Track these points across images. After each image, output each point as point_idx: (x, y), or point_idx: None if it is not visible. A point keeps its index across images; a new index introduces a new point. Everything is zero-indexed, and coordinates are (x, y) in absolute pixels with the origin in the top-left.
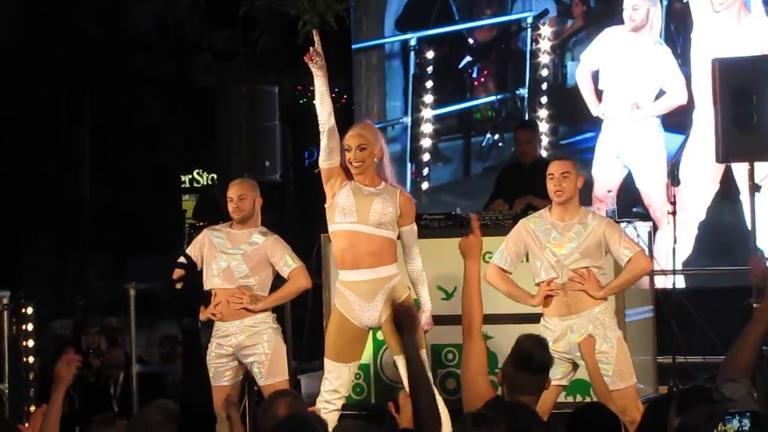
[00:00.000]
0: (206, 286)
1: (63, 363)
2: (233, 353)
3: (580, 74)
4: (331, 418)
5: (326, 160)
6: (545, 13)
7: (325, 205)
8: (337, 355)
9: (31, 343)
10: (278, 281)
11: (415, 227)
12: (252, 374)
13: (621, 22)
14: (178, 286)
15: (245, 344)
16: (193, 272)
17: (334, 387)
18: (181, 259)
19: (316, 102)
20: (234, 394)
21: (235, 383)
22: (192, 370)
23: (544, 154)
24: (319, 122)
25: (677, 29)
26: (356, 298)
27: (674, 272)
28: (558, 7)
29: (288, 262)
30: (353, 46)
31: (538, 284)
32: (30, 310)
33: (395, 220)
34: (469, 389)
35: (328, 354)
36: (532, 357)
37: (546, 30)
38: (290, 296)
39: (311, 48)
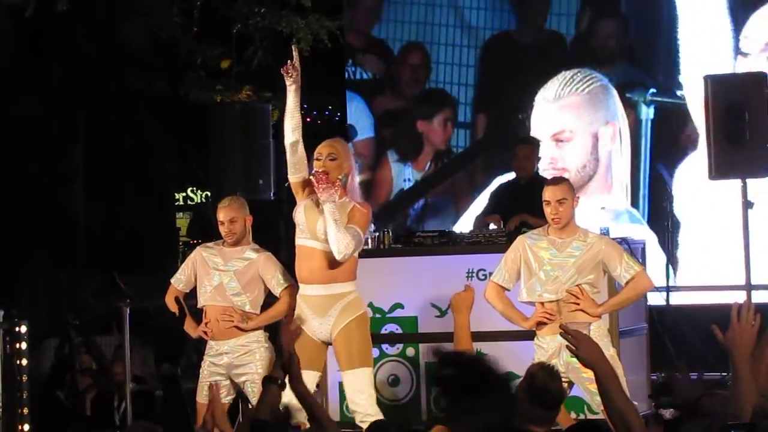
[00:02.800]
0: (199, 303)
1: None
2: (226, 372)
3: None
4: None
5: (293, 174)
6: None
7: None
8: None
9: (24, 362)
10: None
11: (358, 229)
12: (245, 393)
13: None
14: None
15: (237, 363)
16: (180, 323)
17: None
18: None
19: (286, 116)
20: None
21: (228, 401)
22: (172, 411)
23: None
24: (285, 136)
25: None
26: (310, 312)
27: (668, 289)
28: (380, 127)
29: (280, 281)
30: None
31: (527, 302)
32: (23, 329)
33: None
34: None
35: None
36: (548, 392)
37: None
38: (281, 315)
39: (288, 61)
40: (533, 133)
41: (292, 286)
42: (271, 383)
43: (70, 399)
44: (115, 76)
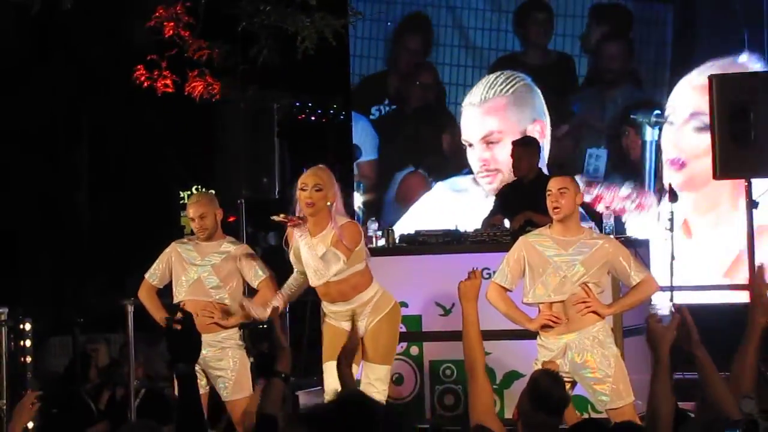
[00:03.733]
0: (176, 299)
1: (26, 402)
2: (200, 366)
3: None
4: None
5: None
6: None
7: None
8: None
9: (29, 359)
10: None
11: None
12: (217, 390)
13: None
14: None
15: (211, 359)
16: (190, 321)
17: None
18: (178, 315)
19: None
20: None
21: (205, 391)
22: (188, 411)
23: None
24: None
25: None
26: (343, 318)
27: (671, 288)
28: (394, 146)
29: (258, 273)
30: None
31: (533, 304)
32: (28, 327)
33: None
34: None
35: (328, 358)
36: (550, 397)
37: None
38: None
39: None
40: (464, 137)
41: (270, 278)
42: (274, 377)
43: (88, 395)
44: (120, 75)
